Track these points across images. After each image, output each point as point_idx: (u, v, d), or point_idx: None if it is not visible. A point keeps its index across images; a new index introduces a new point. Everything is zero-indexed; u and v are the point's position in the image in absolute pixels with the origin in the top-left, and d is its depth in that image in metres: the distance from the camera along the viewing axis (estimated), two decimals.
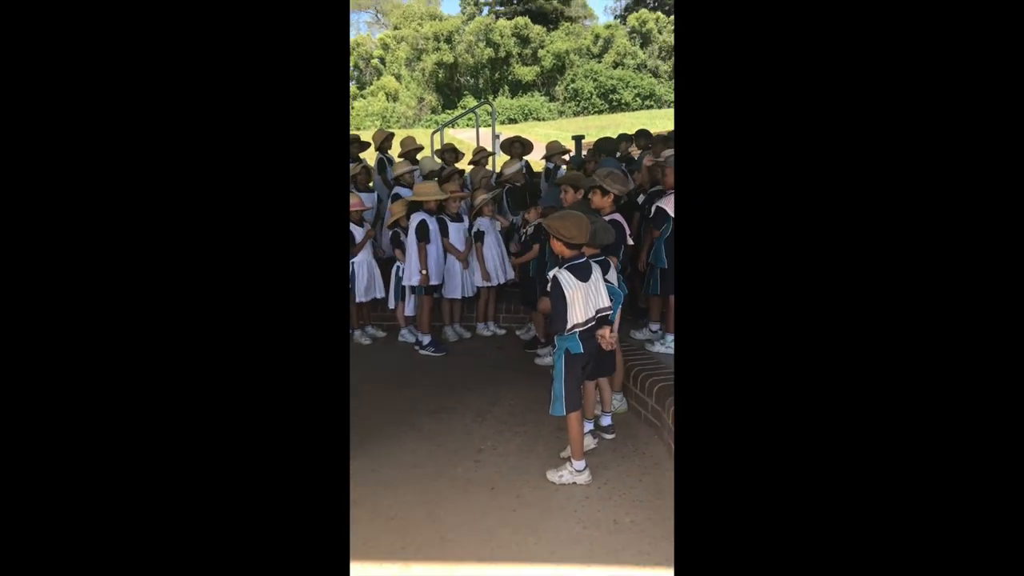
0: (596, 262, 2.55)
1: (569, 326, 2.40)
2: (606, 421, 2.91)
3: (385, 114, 27.01)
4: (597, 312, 2.47)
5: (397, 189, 4.74)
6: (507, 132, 7.95)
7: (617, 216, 3.07)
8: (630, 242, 3.16)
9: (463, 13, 32.61)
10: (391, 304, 4.29)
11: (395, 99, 28.39)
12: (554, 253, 2.58)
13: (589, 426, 2.82)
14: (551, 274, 2.42)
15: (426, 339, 4.03)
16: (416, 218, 3.91)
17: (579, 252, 2.45)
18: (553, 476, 2.55)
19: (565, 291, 2.37)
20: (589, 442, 2.76)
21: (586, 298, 2.41)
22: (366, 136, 5.81)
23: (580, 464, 2.53)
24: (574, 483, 2.51)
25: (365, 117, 26.38)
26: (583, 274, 2.42)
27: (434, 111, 28.65)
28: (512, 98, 28.69)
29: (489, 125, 9.19)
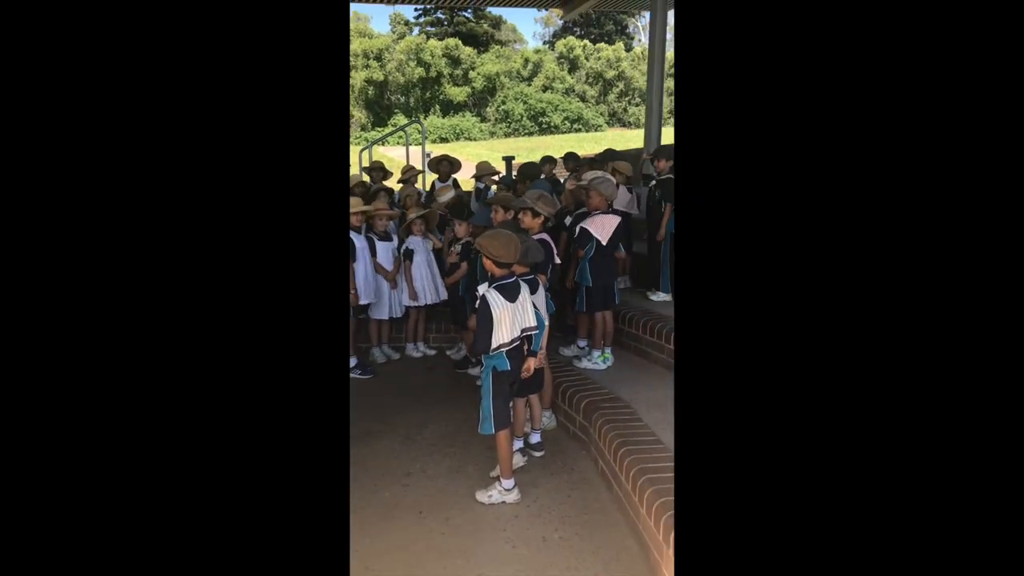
0: (525, 281, 2.58)
1: (494, 346, 2.40)
2: (535, 439, 2.93)
3: None
4: (523, 331, 2.49)
5: None
6: (438, 151, 7.96)
7: (545, 236, 3.14)
8: (557, 261, 3.23)
9: (393, 32, 32.55)
10: None
11: None
12: (484, 271, 2.60)
13: (519, 444, 2.84)
14: (479, 292, 2.43)
15: (352, 361, 3.92)
16: None
17: (509, 271, 2.47)
18: (482, 496, 2.53)
19: (492, 311, 2.38)
20: (519, 460, 2.76)
21: (513, 318, 2.43)
22: None
23: (509, 483, 2.52)
24: (503, 502, 2.50)
25: None
26: (511, 294, 2.44)
27: (364, 128, 28.25)
28: (443, 117, 28.81)
29: (419, 143, 9.17)
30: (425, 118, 27.67)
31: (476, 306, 2.45)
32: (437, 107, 29.66)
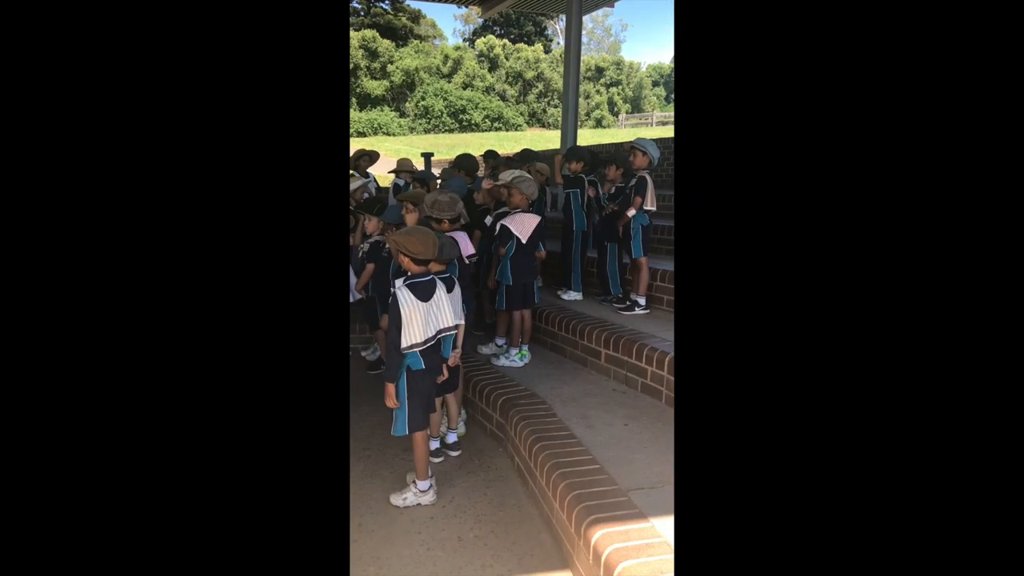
0: (442, 279, 2.55)
1: (406, 345, 2.36)
2: (452, 438, 2.91)
3: None
4: (438, 332, 2.45)
5: None
6: (355, 145, 7.71)
7: (456, 234, 3.09)
8: (466, 260, 3.12)
9: None
10: None
11: None
12: (398, 268, 2.55)
13: (435, 444, 2.81)
14: (393, 290, 2.38)
15: None
16: None
17: (425, 269, 2.43)
18: (397, 500, 2.48)
19: (402, 309, 2.34)
20: (435, 460, 2.74)
21: (426, 317, 2.39)
22: None
23: (424, 484, 2.49)
24: (418, 504, 2.47)
25: None
26: (424, 292, 2.40)
27: None
28: (361, 111, 28.00)
29: None
30: None
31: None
32: (354, 100, 28.76)
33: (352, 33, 28.90)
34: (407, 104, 29.15)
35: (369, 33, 29.17)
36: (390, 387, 2.41)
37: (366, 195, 4.63)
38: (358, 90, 28.89)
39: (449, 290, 2.60)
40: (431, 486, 2.51)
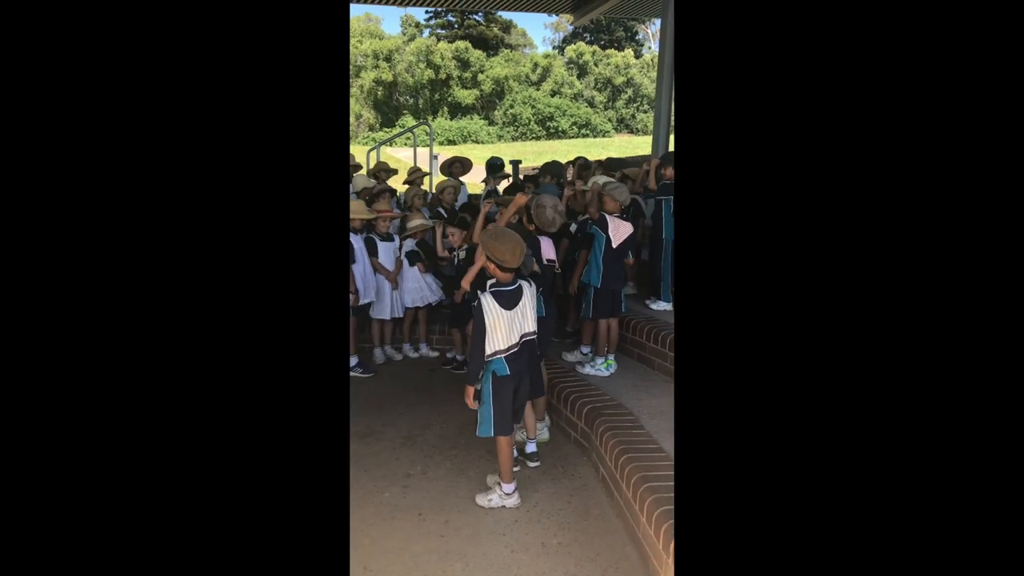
0: (504, 292, 2.49)
1: (490, 352, 2.39)
2: (531, 448, 2.89)
3: None
4: (522, 337, 2.46)
5: None
6: (445, 153, 7.98)
7: (542, 238, 3.07)
8: (546, 262, 3.06)
9: (403, 34, 32.68)
10: None
11: None
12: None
13: (532, 446, 2.84)
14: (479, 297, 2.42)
15: (353, 360, 3.93)
16: None
17: (511, 276, 2.44)
18: (482, 500, 2.52)
19: (486, 318, 2.36)
20: (513, 469, 2.74)
21: (510, 324, 2.40)
22: None
23: (509, 487, 2.52)
24: (503, 507, 2.50)
25: None
26: (509, 300, 2.40)
27: (372, 128, 28.36)
28: (451, 119, 28.88)
29: (427, 145, 9.19)
30: (433, 120, 27.73)
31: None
32: (445, 109, 29.74)
33: (445, 45, 29.93)
34: (496, 112, 29.71)
35: (462, 44, 30.06)
36: (469, 389, 2.46)
37: (459, 201, 4.78)
38: (449, 99, 29.84)
39: (511, 305, 2.52)
40: (516, 489, 2.53)
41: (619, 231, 3.32)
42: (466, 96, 29.67)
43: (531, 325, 2.49)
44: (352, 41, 30.75)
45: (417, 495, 2.60)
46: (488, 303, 2.37)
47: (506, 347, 2.40)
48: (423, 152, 11.28)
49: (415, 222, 4.13)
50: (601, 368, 3.44)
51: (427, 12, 32.18)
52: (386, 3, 6.70)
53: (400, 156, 16.18)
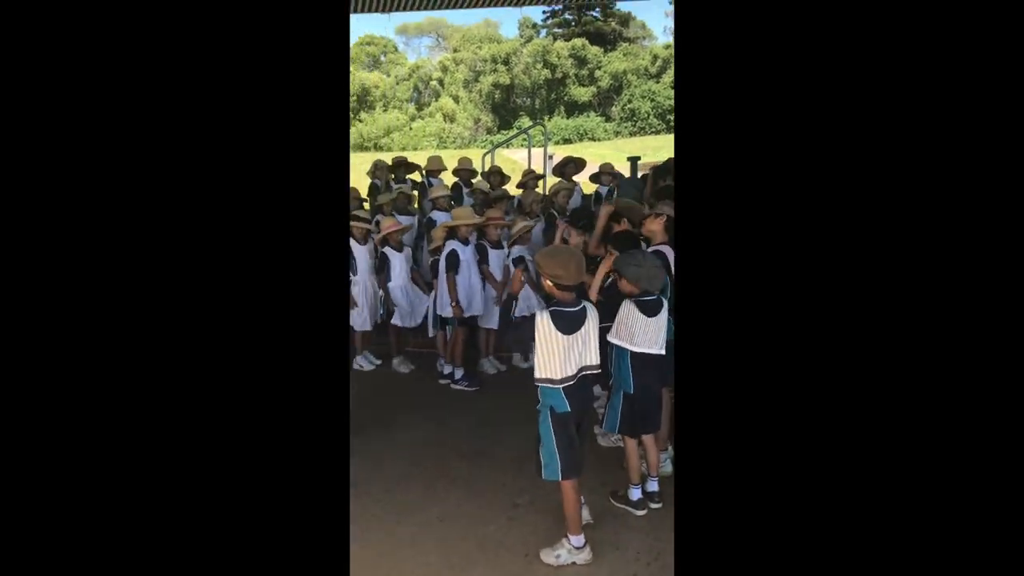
0: (650, 302, 2.24)
1: (541, 376, 2.07)
2: (652, 486, 2.50)
3: (441, 134, 27.51)
4: (580, 370, 2.11)
5: (433, 213, 4.57)
6: (561, 152, 7.74)
7: (664, 247, 2.68)
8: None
9: (521, 36, 32.98)
10: (430, 331, 4.10)
11: (452, 120, 28.89)
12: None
13: (636, 494, 2.46)
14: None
15: (459, 372, 3.80)
16: (448, 246, 3.72)
17: (572, 296, 2.10)
18: (548, 557, 2.17)
19: (537, 340, 2.04)
20: (638, 512, 2.39)
21: (567, 352, 2.05)
22: (417, 158, 5.71)
23: (578, 540, 2.16)
24: (573, 563, 2.14)
25: (422, 137, 26.95)
26: (570, 324, 2.06)
27: (489, 131, 28.93)
28: (568, 118, 28.64)
29: (542, 145, 9.02)
30: (549, 120, 27.68)
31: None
32: (562, 108, 29.57)
33: (562, 44, 29.76)
34: (613, 108, 29.00)
35: (579, 42, 29.71)
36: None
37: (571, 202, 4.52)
38: (566, 98, 29.63)
39: (654, 313, 2.27)
40: (586, 542, 2.17)
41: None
42: (582, 94, 29.27)
43: (593, 357, 2.13)
44: (471, 48, 31.67)
45: (524, 530, 2.37)
46: (545, 323, 2.05)
47: (560, 377, 2.05)
48: (538, 153, 11.16)
49: (520, 224, 3.93)
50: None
51: (544, 12, 32.19)
52: (502, 5, 6.61)
53: (517, 158, 16.25)
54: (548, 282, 2.09)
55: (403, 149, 24.28)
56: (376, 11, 5.75)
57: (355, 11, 5.68)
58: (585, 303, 2.15)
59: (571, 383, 2.09)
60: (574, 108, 29.55)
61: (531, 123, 23.09)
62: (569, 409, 2.10)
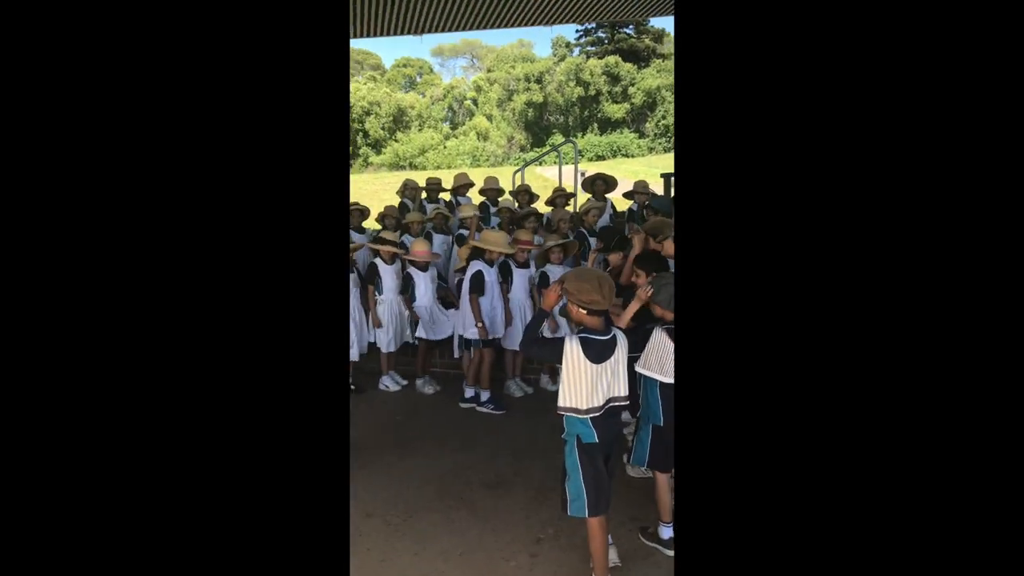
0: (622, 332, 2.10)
1: (565, 405, 1.95)
2: (667, 534, 2.31)
3: (475, 153, 27.76)
4: (608, 401, 1.98)
5: (461, 231, 4.53)
6: (593, 169, 7.65)
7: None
8: None
9: (554, 55, 33.21)
10: (456, 352, 4.03)
11: (485, 138, 29.16)
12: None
13: (668, 532, 2.30)
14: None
15: (484, 395, 3.71)
16: (473, 267, 3.65)
17: (603, 323, 1.99)
18: None
19: (564, 367, 1.93)
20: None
21: (595, 381, 1.93)
22: (450, 176, 5.70)
23: None
24: None
25: (456, 156, 27.25)
26: (599, 352, 1.95)
27: (523, 149, 29.07)
28: (601, 135, 28.57)
29: (573, 162, 8.94)
30: (582, 136, 27.66)
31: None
32: (595, 125, 29.53)
33: (595, 61, 29.83)
34: (647, 124, 28.81)
35: (612, 59, 29.72)
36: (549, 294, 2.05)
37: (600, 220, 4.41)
38: (599, 115, 29.60)
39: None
40: None
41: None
42: (616, 111, 29.19)
43: (622, 388, 2.00)
44: (504, 67, 32.05)
45: (547, 568, 2.24)
46: (573, 350, 1.93)
47: (585, 407, 1.94)
48: (570, 170, 11.08)
49: (551, 243, 3.84)
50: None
51: (577, 31, 32.38)
52: (537, 24, 6.60)
53: (549, 175, 16.23)
54: (576, 308, 1.98)
55: (437, 168, 24.58)
56: (409, 33, 5.83)
57: (388, 34, 5.77)
58: (615, 330, 2.03)
59: (597, 414, 1.97)
60: (607, 125, 29.47)
61: (563, 140, 23.09)
62: (597, 440, 1.99)
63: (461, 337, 3.84)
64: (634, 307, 2.23)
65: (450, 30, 5.80)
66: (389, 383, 4.14)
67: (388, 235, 4.21)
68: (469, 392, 3.82)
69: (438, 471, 2.99)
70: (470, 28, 5.89)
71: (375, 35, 5.79)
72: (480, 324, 3.58)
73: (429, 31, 5.78)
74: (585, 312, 1.96)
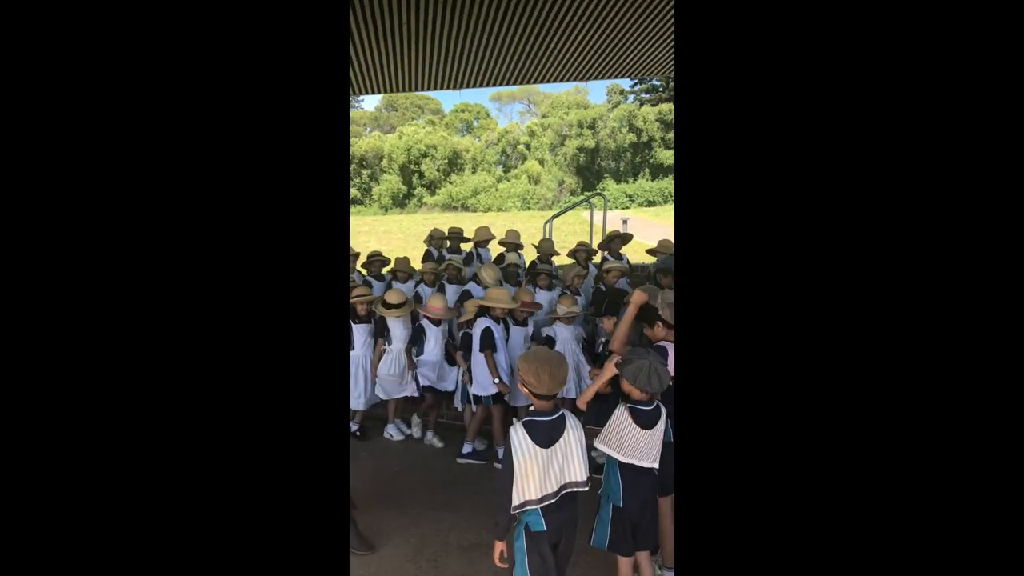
0: (643, 411, 2.08)
1: (517, 502, 1.88)
2: None
3: (526, 195, 28.23)
4: (562, 488, 1.92)
5: (470, 286, 4.56)
6: (641, 216, 7.58)
7: (667, 344, 2.48)
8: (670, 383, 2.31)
9: (608, 101, 33.72)
10: (457, 404, 4.06)
11: (536, 182, 29.66)
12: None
13: None
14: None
15: (501, 451, 3.70)
16: (481, 324, 3.69)
17: (551, 404, 1.94)
18: None
19: (514, 457, 1.86)
20: None
21: (545, 467, 1.88)
22: (501, 218, 5.77)
23: None
24: None
25: (507, 198, 27.79)
26: (546, 436, 1.90)
27: (573, 193, 29.35)
28: (652, 181, 28.51)
29: (619, 208, 8.90)
30: (633, 182, 27.67)
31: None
32: (647, 171, 29.54)
33: (648, 108, 30.07)
34: None
35: (666, 107, 29.86)
36: (498, 545, 1.98)
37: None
38: (651, 160, 29.61)
39: (649, 425, 2.09)
40: None
41: None
42: (668, 156, 29.12)
43: (578, 473, 1.94)
44: (559, 113, 32.74)
45: None
46: (518, 438, 1.87)
47: (538, 497, 1.88)
48: (611, 215, 11.02)
49: (564, 308, 3.80)
50: None
51: (632, 80, 32.83)
52: (593, 79, 6.75)
53: (586, 217, 16.23)
54: (526, 390, 1.98)
55: (488, 209, 25.12)
56: (471, 87, 6.14)
57: (450, 87, 6.08)
58: (564, 412, 2.01)
59: (552, 501, 1.92)
60: (659, 171, 29.41)
61: (592, 192, 23.08)
62: (545, 529, 1.93)
63: (466, 391, 3.86)
64: (598, 384, 2.21)
65: (503, 84, 6.09)
66: (393, 432, 4.20)
67: (395, 298, 4.11)
68: (467, 448, 3.83)
69: (419, 529, 2.99)
70: (522, 81, 6.18)
71: (431, 89, 6.16)
72: (499, 379, 3.59)
73: (486, 84, 6.09)
74: (532, 394, 1.95)
